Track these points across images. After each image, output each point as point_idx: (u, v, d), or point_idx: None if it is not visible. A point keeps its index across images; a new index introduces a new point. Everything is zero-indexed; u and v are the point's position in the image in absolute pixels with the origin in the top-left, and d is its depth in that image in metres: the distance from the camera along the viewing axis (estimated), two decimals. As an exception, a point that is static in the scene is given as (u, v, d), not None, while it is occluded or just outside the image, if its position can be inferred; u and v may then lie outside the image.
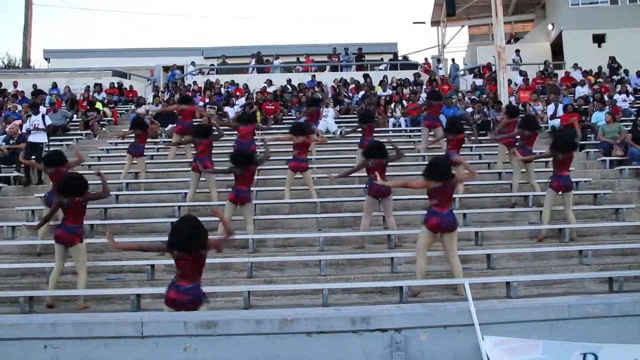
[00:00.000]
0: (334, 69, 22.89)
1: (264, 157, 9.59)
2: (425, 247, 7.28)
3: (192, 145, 10.63)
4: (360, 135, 11.62)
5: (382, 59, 24.59)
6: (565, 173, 9.00)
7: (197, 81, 20.93)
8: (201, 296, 4.94)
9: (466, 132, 11.42)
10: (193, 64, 23.33)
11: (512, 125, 11.24)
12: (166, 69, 23.08)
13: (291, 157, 10.22)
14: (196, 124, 10.71)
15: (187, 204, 10.27)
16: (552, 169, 9.23)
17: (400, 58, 25.56)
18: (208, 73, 23.05)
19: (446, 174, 7.06)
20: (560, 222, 9.19)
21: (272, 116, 15.72)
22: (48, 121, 12.04)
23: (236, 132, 11.76)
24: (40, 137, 11.72)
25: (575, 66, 20.20)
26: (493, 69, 19.47)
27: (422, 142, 12.51)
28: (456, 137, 10.45)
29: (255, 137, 12.15)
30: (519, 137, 10.42)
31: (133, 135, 11.80)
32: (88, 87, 19.39)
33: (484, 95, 17.10)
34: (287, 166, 10.31)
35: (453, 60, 23.77)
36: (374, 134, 11.51)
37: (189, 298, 4.81)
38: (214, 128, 10.87)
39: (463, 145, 11.11)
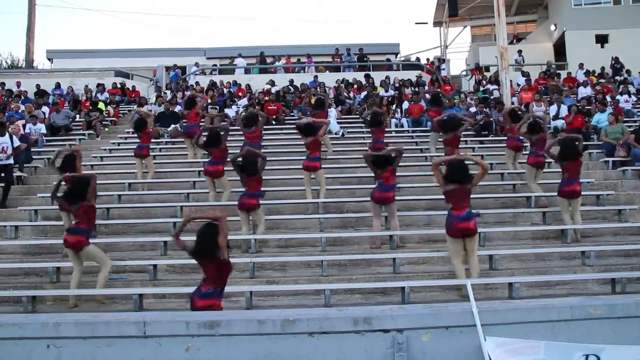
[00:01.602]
0: (335, 69, 22.90)
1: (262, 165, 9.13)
2: (455, 253, 7.25)
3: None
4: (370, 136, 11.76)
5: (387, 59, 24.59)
6: (567, 177, 8.93)
7: (200, 81, 20.96)
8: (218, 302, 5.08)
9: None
10: (197, 64, 23.40)
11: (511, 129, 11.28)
12: (169, 69, 23.12)
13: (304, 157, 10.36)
14: (205, 134, 10.67)
15: (189, 203, 10.32)
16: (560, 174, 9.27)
17: (402, 58, 25.57)
18: (210, 73, 23.09)
19: (460, 177, 7.07)
20: (562, 224, 9.17)
21: (274, 116, 15.74)
22: (16, 142, 11.39)
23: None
24: (8, 161, 10.96)
25: (581, 66, 20.15)
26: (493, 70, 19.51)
27: (430, 146, 12.53)
28: (453, 136, 10.47)
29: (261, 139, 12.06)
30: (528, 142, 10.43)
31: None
32: (86, 86, 19.42)
33: (492, 98, 16.92)
34: (288, 167, 10.35)
35: (433, 61, 23.63)
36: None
37: (207, 303, 4.98)
38: (220, 129, 10.80)
39: (465, 147, 11.11)
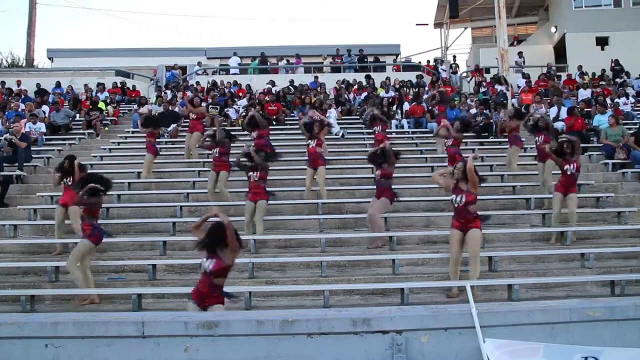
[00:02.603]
0: (336, 70, 22.91)
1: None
2: None
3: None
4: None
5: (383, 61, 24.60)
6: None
7: (200, 81, 20.96)
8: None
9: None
10: (199, 63, 23.44)
11: (517, 128, 11.32)
12: (171, 68, 23.09)
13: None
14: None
15: (188, 203, 10.32)
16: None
17: (403, 59, 25.57)
18: (214, 73, 23.08)
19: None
20: (561, 225, 9.16)
21: (274, 117, 15.73)
22: None
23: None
24: None
25: (579, 68, 20.18)
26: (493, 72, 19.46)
27: (438, 147, 12.54)
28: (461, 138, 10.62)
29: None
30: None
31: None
32: (85, 85, 19.40)
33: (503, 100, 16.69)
34: (287, 167, 10.35)
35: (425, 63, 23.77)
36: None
37: None
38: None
39: (466, 148, 11.17)
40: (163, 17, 77.58)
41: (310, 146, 10.39)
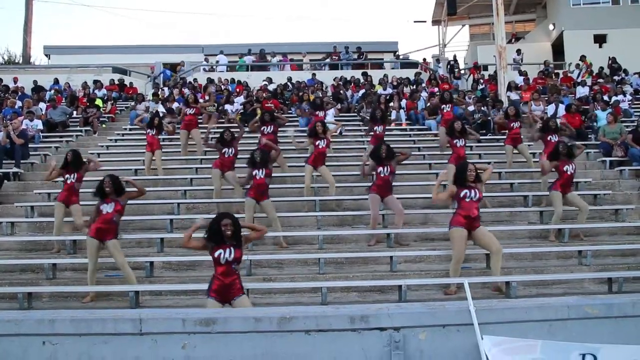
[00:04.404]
0: (333, 67, 22.89)
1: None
2: None
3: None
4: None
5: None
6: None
7: (198, 78, 20.93)
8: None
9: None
10: (206, 59, 23.46)
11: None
12: (173, 67, 23.01)
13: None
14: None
15: (186, 200, 10.29)
16: None
17: (401, 57, 25.57)
18: (211, 70, 23.08)
19: None
20: (559, 222, 9.17)
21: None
22: None
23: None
24: None
25: (577, 66, 20.21)
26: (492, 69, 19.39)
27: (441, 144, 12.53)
28: None
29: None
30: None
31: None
32: (85, 83, 19.36)
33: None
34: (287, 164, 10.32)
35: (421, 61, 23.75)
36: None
37: None
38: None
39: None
40: (163, 15, 77.33)
41: (321, 146, 10.33)
